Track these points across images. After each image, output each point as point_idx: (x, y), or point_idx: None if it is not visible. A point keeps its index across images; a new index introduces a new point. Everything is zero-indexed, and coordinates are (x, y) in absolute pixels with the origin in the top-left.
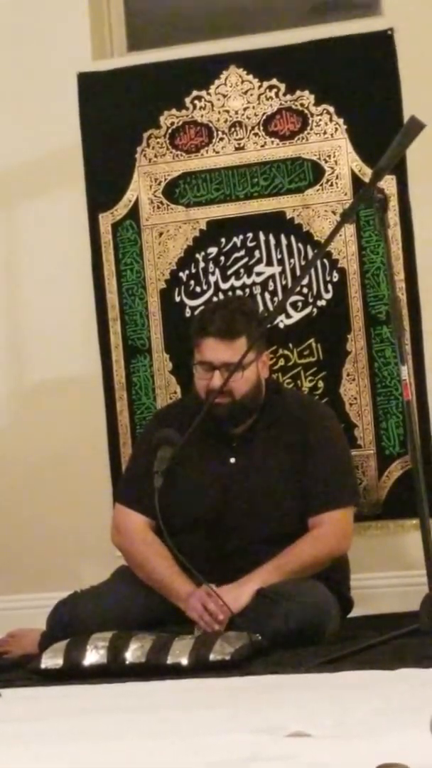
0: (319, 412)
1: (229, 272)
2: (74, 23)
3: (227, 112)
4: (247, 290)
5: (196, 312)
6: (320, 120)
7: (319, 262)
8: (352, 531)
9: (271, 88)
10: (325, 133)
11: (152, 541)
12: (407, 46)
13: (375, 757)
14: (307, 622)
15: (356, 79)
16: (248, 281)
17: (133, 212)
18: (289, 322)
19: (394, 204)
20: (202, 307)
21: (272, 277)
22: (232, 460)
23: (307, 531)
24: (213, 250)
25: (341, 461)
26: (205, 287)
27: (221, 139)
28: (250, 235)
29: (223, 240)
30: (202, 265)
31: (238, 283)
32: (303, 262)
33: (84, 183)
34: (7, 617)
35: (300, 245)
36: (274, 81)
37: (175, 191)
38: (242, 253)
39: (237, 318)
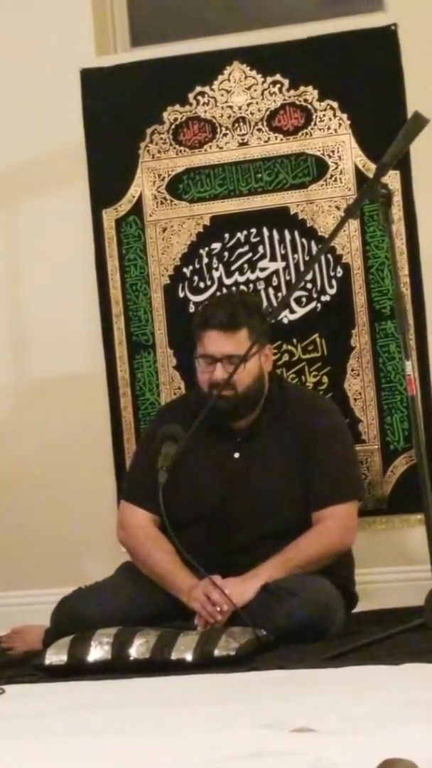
0: (323, 406)
1: (233, 268)
2: (77, 19)
3: (231, 107)
4: (251, 286)
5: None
6: (324, 115)
7: (323, 258)
8: (356, 525)
9: (274, 83)
10: (328, 128)
11: (155, 536)
12: (411, 42)
13: (380, 753)
14: (312, 617)
15: (360, 74)
16: (252, 277)
17: (137, 208)
18: (293, 317)
19: (398, 199)
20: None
21: (276, 272)
22: (236, 455)
23: (311, 525)
24: (217, 246)
25: (345, 455)
26: (208, 283)
27: (225, 134)
28: (254, 230)
29: (226, 235)
30: (205, 260)
31: (242, 279)
32: (307, 258)
33: (87, 179)
34: (11, 613)
35: (304, 241)
36: (277, 76)
37: (178, 187)
38: (246, 248)
39: (238, 310)
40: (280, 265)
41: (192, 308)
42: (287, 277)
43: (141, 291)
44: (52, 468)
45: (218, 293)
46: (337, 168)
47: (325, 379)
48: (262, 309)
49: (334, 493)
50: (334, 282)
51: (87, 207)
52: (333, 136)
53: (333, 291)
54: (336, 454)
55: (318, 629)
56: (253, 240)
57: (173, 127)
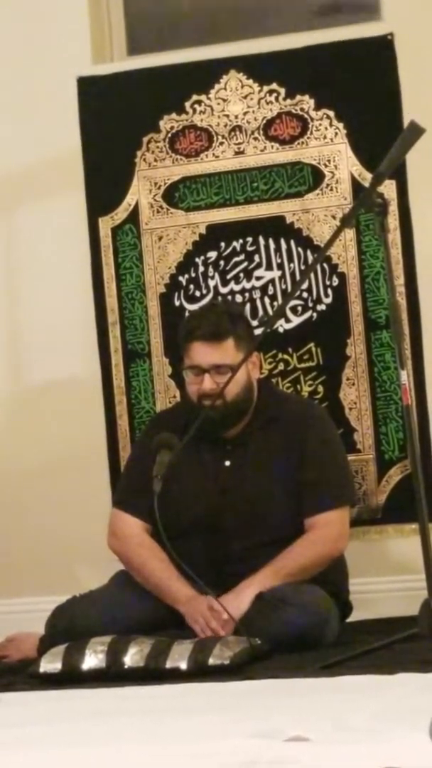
0: (313, 412)
1: (229, 276)
2: (74, 27)
3: (227, 116)
4: (247, 294)
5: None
6: (320, 124)
7: (318, 267)
8: (348, 531)
9: (271, 92)
10: (325, 137)
11: (149, 544)
12: (407, 51)
13: (374, 762)
14: (306, 626)
15: (356, 83)
16: (248, 285)
17: (133, 216)
18: (288, 326)
19: (393, 208)
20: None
21: (272, 281)
22: (227, 463)
23: (304, 532)
24: (212, 255)
25: (335, 462)
26: (204, 291)
27: (221, 143)
28: (249, 239)
29: (222, 244)
30: (201, 269)
31: (237, 288)
32: (303, 267)
33: (84, 187)
34: (5, 621)
35: (300, 250)
36: (274, 85)
37: (174, 195)
38: (242, 257)
39: (223, 320)
40: (275, 274)
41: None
42: (283, 286)
43: (137, 299)
44: (47, 476)
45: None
46: (333, 177)
47: (321, 389)
48: (246, 317)
49: (326, 499)
50: (329, 291)
51: (83, 215)
52: (329, 145)
53: (329, 300)
54: (326, 461)
55: (312, 638)
56: (249, 249)
57: (169, 135)
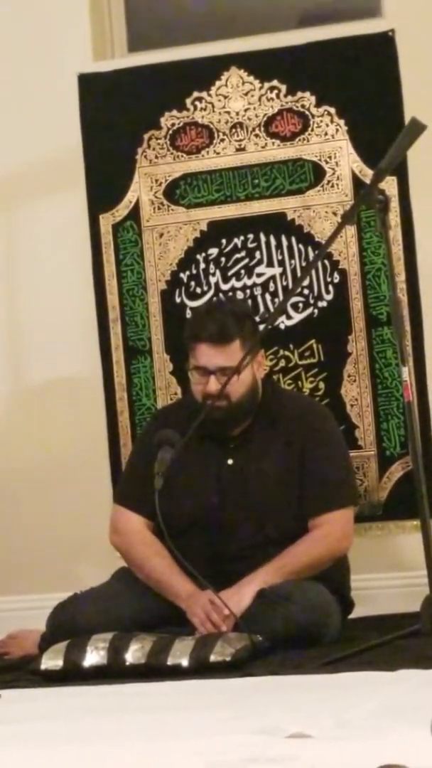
0: (317, 412)
1: (230, 273)
2: (75, 24)
3: (228, 113)
4: (248, 291)
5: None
6: (321, 121)
7: (320, 263)
8: (353, 531)
9: (272, 89)
10: (326, 134)
11: (151, 541)
12: (408, 48)
13: (375, 758)
14: (307, 623)
15: (357, 80)
16: (249, 282)
17: (134, 213)
18: (290, 323)
19: (395, 205)
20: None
21: (273, 278)
22: (230, 461)
23: (307, 532)
24: (214, 251)
25: (339, 461)
26: (205, 288)
27: (222, 140)
28: (250, 236)
29: (223, 241)
30: (202, 266)
31: (238, 284)
32: (304, 263)
33: (84, 184)
34: (7, 618)
35: (301, 246)
36: (275, 82)
37: (175, 192)
38: (243, 254)
39: (229, 322)
40: (277, 270)
41: (189, 314)
42: (284, 283)
43: (138, 296)
44: (48, 473)
45: (215, 299)
46: (334, 174)
47: (322, 385)
48: (252, 315)
49: (330, 499)
50: (330, 288)
51: (84, 212)
52: (330, 142)
53: (330, 297)
54: (330, 460)
55: (314, 635)
56: (250, 245)
57: (170, 132)
